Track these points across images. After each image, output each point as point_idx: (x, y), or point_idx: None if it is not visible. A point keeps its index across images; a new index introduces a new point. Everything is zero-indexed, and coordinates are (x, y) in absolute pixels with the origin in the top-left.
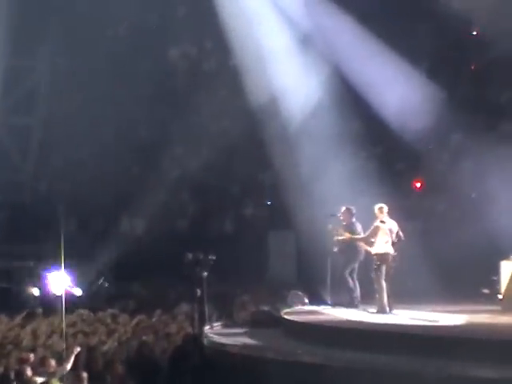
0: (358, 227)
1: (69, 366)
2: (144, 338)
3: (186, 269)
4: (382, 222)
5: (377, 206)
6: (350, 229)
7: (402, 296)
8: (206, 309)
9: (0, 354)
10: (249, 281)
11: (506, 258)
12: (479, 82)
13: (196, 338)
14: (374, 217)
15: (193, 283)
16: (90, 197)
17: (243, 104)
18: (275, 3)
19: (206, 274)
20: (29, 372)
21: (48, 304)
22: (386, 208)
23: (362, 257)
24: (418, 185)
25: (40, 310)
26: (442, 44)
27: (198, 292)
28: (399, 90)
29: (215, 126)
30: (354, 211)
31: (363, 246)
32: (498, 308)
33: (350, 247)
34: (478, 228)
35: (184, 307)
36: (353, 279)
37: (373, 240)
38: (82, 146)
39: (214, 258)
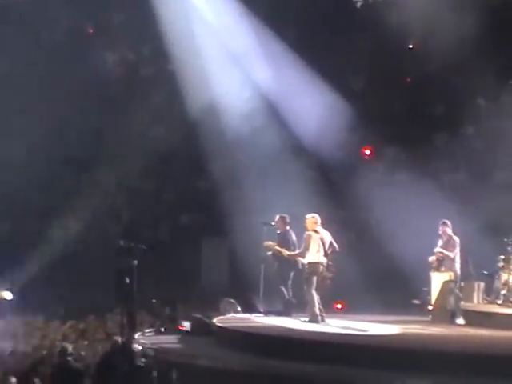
0: (293, 236)
1: None
2: (64, 343)
3: (116, 256)
4: (314, 232)
5: (309, 216)
6: (285, 237)
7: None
8: (136, 303)
9: None
10: (182, 289)
11: (436, 269)
12: (415, 95)
13: (125, 345)
14: (306, 227)
15: (122, 272)
16: (22, 199)
17: (180, 111)
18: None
19: (136, 262)
20: None
21: None
22: (318, 218)
23: (298, 265)
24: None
25: None
26: (378, 57)
27: (127, 280)
28: (332, 104)
29: (152, 132)
30: (289, 220)
31: (298, 259)
32: (428, 318)
33: (285, 257)
34: (411, 239)
35: (117, 313)
36: (287, 288)
37: (306, 253)
38: (14, 147)
39: (144, 247)
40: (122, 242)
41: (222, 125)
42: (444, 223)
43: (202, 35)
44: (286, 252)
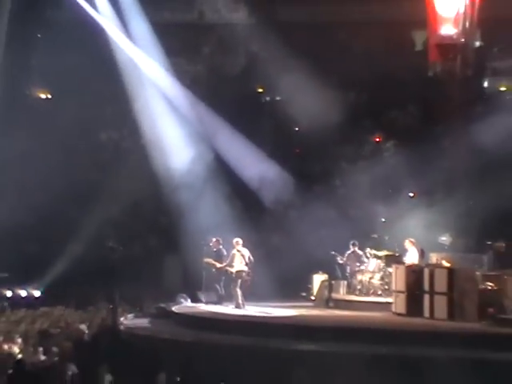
0: (224, 252)
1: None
2: (81, 326)
3: (106, 252)
4: (237, 250)
5: (234, 240)
6: (218, 253)
7: (253, 297)
8: (118, 297)
9: None
10: (151, 288)
11: (316, 273)
12: (301, 160)
13: (113, 325)
14: (232, 246)
15: (110, 266)
16: (45, 228)
17: (149, 170)
18: (171, 106)
19: (117, 257)
20: None
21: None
22: (240, 241)
23: (227, 272)
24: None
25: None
26: (277, 136)
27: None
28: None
29: (130, 185)
30: (221, 241)
31: (227, 269)
32: (311, 305)
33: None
34: (301, 254)
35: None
36: (220, 286)
37: (233, 264)
38: (30, 190)
39: (121, 247)
40: (110, 243)
41: (177, 179)
42: (354, 244)
43: (164, 121)
44: (218, 265)
